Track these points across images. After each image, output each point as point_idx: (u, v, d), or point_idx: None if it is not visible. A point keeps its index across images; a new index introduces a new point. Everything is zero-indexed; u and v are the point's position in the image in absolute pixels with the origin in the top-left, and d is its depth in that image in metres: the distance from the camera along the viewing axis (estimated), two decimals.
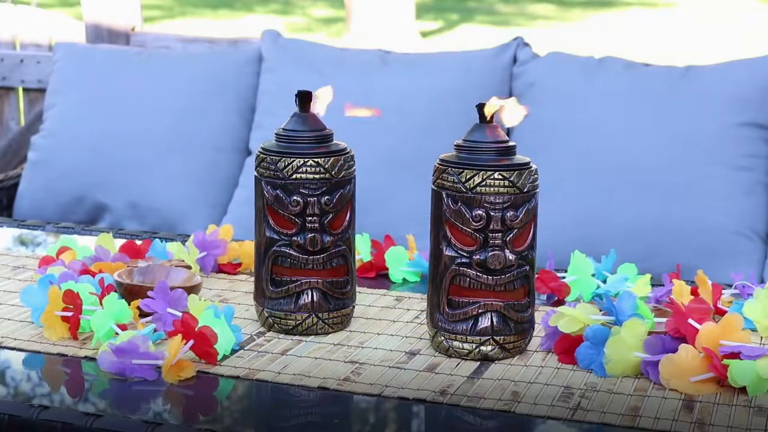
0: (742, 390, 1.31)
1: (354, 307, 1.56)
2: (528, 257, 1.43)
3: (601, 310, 1.47)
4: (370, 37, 9.17)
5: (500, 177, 1.39)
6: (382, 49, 2.87)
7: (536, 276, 1.57)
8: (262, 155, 1.51)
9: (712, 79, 2.55)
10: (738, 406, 1.28)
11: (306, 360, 1.42)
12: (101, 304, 1.48)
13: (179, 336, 1.36)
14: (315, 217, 1.49)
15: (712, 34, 10.14)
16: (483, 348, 1.42)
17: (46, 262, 1.72)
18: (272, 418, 1.32)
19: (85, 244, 1.81)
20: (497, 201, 1.39)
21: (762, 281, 2.36)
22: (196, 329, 1.38)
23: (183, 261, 1.74)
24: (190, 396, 1.33)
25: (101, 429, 1.22)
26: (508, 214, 1.40)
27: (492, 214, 1.39)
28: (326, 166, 1.49)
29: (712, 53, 8.51)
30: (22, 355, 1.45)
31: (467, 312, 1.42)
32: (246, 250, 1.80)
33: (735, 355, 1.32)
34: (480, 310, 1.41)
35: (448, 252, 1.42)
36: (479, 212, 1.39)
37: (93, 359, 1.41)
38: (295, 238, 1.49)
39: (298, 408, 1.33)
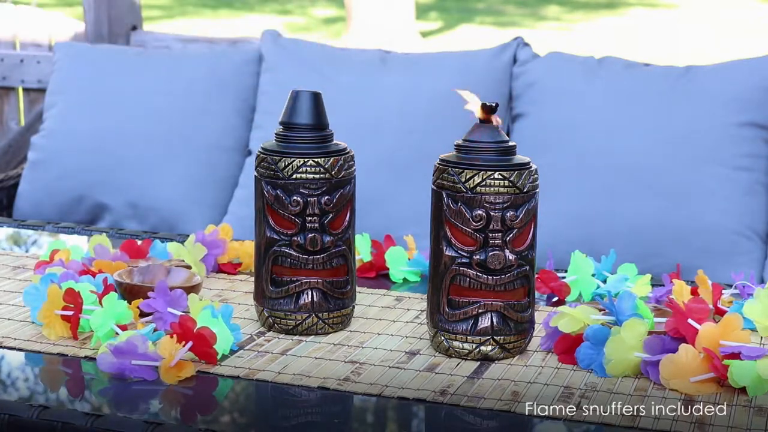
0: (742, 390, 1.31)
1: (354, 307, 1.56)
2: (528, 257, 1.43)
3: (601, 310, 1.47)
4: (370, 37, 9.16)
5: (500, 177, 1.39)
6: (382, 49, 2.87)
7: (536, 276, 1.57)
8: (262, 155, 1.51)
9: (712, 79, 2.54)
10: (738, 406, 1.28)
11: (306, 360, 1.42)
12: (101, 303, 1.48)
13: (174, 338, 1.36)
14: (315, 217, 1.49)
15: (712, 35, 10.14)
16: (483, 348, 1.42)
17: (42, 265, 1.71)
18: (272, 418, 1.32)
19: (75, 244, 1.80)
20: (497, 201, 1.39)
21: (762, 281, 2.36)
22: (194, 330, 1.38)
23: (183, 261, 1.74)
24: (189, 396, 1.33)
25: (101, 429, 1.22)
26: (508, 214, 1.40)
27: (492, 214, 1.39)
28: (326, 166, 1.49)
29: (712, 53, 8.51)
30: (22, 354, 1.45)
31: (467, 312, 1.42)
32: (246, 250, 1.80)
33: (735, 355, 1.32)
34: (480, 310, 1.41)
35: (448, 252, 1.42)
36: (479, 212, 1.39)
37: (93, 359, 1.40)
38: (295, 238, 1.49)
39: (298, 408, 1.33)
